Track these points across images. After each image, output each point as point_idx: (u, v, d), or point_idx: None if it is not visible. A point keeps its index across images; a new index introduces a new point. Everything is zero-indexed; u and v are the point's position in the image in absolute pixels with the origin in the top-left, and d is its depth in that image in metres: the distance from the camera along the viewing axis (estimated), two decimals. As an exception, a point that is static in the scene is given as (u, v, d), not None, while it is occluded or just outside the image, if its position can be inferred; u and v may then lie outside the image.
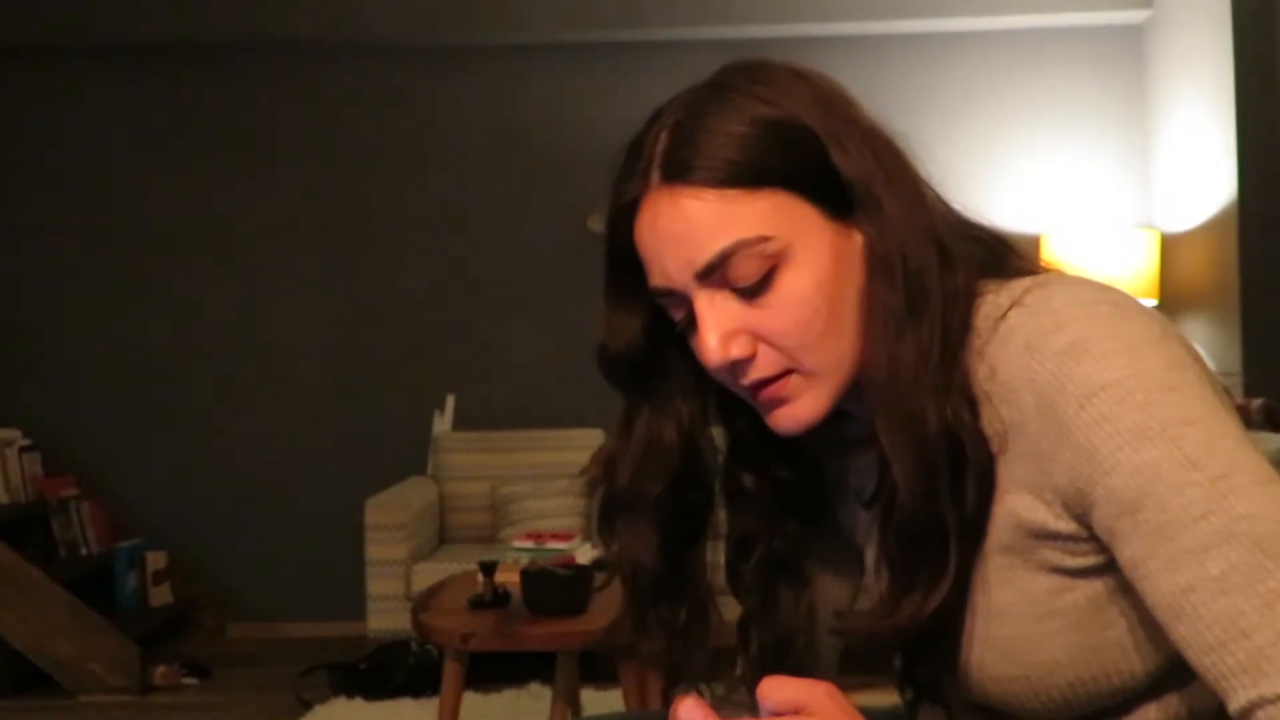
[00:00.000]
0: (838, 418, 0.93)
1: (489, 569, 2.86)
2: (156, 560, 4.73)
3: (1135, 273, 4.32)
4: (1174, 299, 4.39)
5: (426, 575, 3.92)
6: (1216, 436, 0.77)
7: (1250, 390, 3.69)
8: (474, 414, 4.82)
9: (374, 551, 4.07)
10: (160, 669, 4.05)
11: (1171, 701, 0.88)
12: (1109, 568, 0.83)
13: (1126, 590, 0.82)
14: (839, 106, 0.90)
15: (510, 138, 4.87)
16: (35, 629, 3.95)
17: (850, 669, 1.16)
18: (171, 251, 4.92)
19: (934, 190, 0.92)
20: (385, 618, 4.04)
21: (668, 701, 1.00)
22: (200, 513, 4.87)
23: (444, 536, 4.57)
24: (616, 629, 1.04)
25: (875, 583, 0.94)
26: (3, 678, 3.96)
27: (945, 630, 0.89)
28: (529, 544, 3.47)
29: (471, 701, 3.41)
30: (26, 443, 4.68)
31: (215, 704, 3.92)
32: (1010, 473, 0.85)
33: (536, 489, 4.40)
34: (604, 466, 1.01)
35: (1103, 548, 0.82)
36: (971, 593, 0.88)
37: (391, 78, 4.89)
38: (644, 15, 4.68)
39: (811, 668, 1.05)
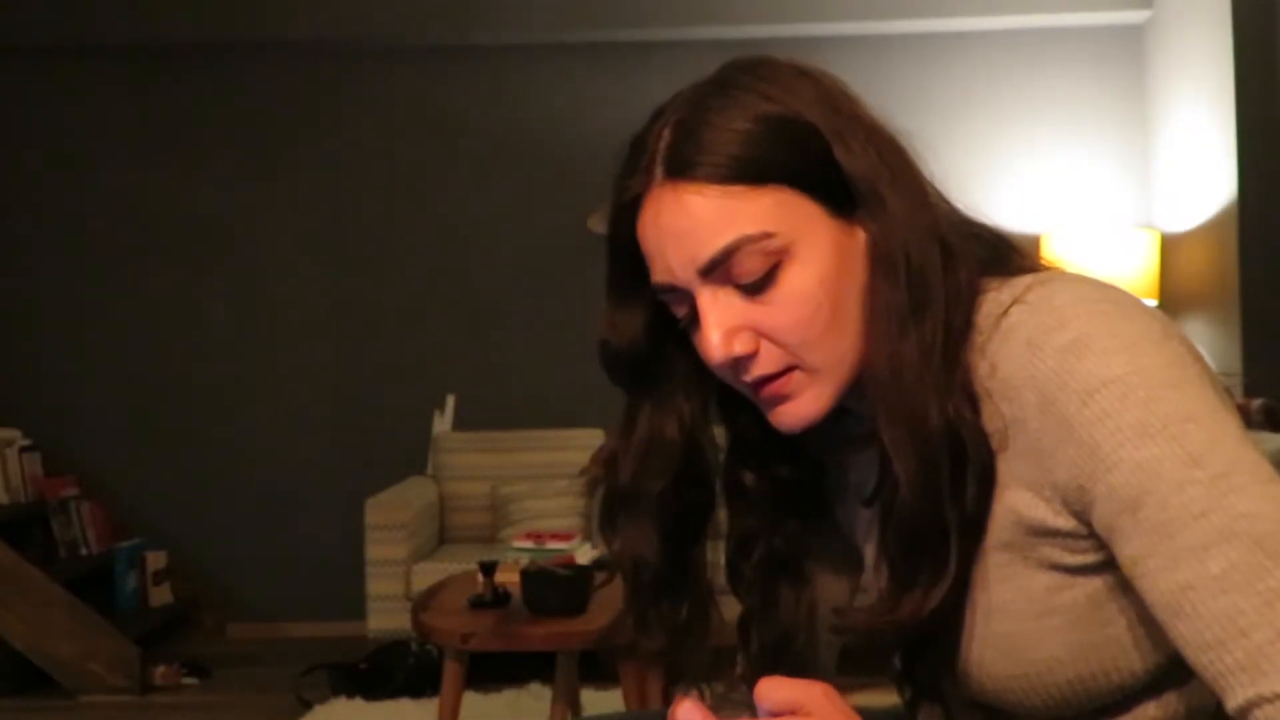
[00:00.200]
0: (838, 415, 0.93)
1: (489, 569, 2.86)
2: (156, 560, 4.73)
3: (1135, 273, 4.32)
4: (1174, 299, 4.39)
5: (426, 575, 3.92)
6: (1218, 435, 0.77)
7: (1250, 390, 3.69)
8: (474, 414, 4.82)
9: (374, 551, 4.08)
10: (160, 669, 4.06)
11: (1170, 699, 0.88)
12: (1108, 565, 0.83)
13: (1126, 588, 0.82)
14: (843, 104, 0.90)
15: (510, 138, 4.87)
16: (35, 629, 3.95)
17: (849, 669, 1.16)
18: (172, 251, 4.92)
19: (936, 188, 0.92)
20: (385, 618, 4.04)
21: (668, 700, 1.00)
22: (200, 513, 4.88)
23: (444, 536, 4.57)
24: (617, 627, 1.05)
25: (875, 580, 0.94)
26: (3, 678, 3.96)
27: (945, 628, 0.89)
28: (529, 544, 3.47)
29: (471, 701, 3.40)
30: (26, 443, 4.68)
31: (215, 704, 3.92)
32: (1011, 470, 0.85)
33: (536, 489, 4.40)
34: (605, 464, 1.00)
35: (1102, 545, 0.82)
36: (971, 590, 0.88)
37: (391, 78, 4.89)
38: (644, 15, 4.68)
39: (811, 666, 1.05)
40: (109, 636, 4.00)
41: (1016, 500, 0.85)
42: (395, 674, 3.80)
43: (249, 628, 4.83)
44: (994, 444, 0.85)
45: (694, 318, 0.90)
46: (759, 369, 0.88)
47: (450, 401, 4.84)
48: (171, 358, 4.90)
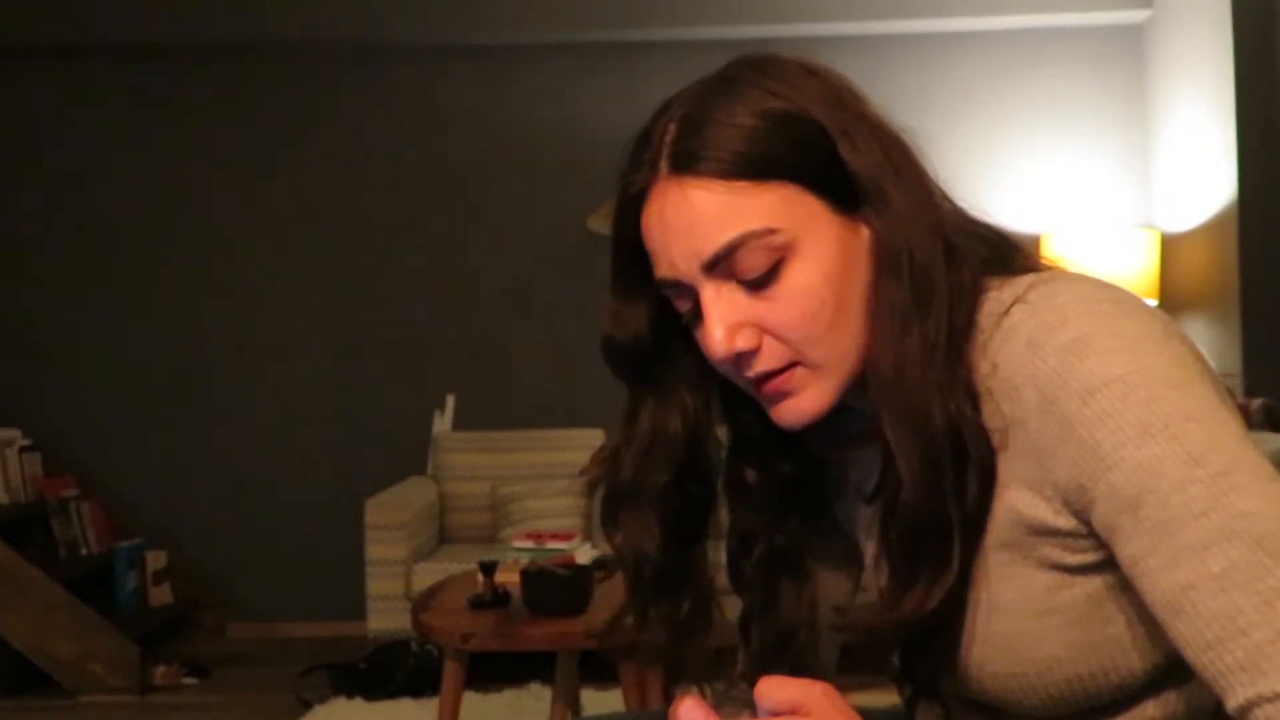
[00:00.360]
0: (839, 413, 0.93)
1: (489, 569, 2.85)
2: (156, 560, 4.73)
3: (1135, 273, 4.32)
4: (1174, 299, 4.39)
5: (426, 575, 3.92)
6: (1219, 434, 0.77)
7: (1250, 390, 3.69)
8: (474, 414, 4.82)
9: (374, 551, 4.07)
10: (160, 669, 4.06)
11: (1170, 699, 0.88)
12: (1108, 564, 0.83)
13: (1126, 587, 0.82)
14: (848, 101, 0.90)
15: (510, 138, 4.87)
16: (35, 629, 3.95)
17: (849, 668, 1.16)
18: (172, 251, 4.92)
19: (939, 187, 0.93)
20: (385, 618, 4.04)
21: (670, 698, 1.00)
22: (200, 513, 4.88)
23: (444, 536, 4.57)
24: (618, 623, 1.04)
25: (875, 578, 0.94)
26: (3, 678, 3.96)
27: (945, 626, 0.89)
28: (529, 544, 3.47)
29: (471, 701, 3.41)
30: (26, 443, 4.68)
31: (215, 704, 3.92)
32: (1011, 469, 0.85)
33: (536, 489, 4.40)
34: (608, 458, 1.00)
35: (1102, 544, 0.82)
36: (971, 589, 0.88)
37: (391, 78, 4.89)
38: (644, 15, 4.68)
39: (813, 664, 1.05)
40: (109, 636, 4.00)
41: (1017, 499, 0.85)
42: (395, 674, 3.80)
43: (249, 628, 4.83)
44: (995, 443, 0.85)
45: (697, 313, 0.90)
46: (761, 365, 0.88)
47: (450, 401, 4.84)
48: (172, 358, 4.90)
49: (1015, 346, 0.84)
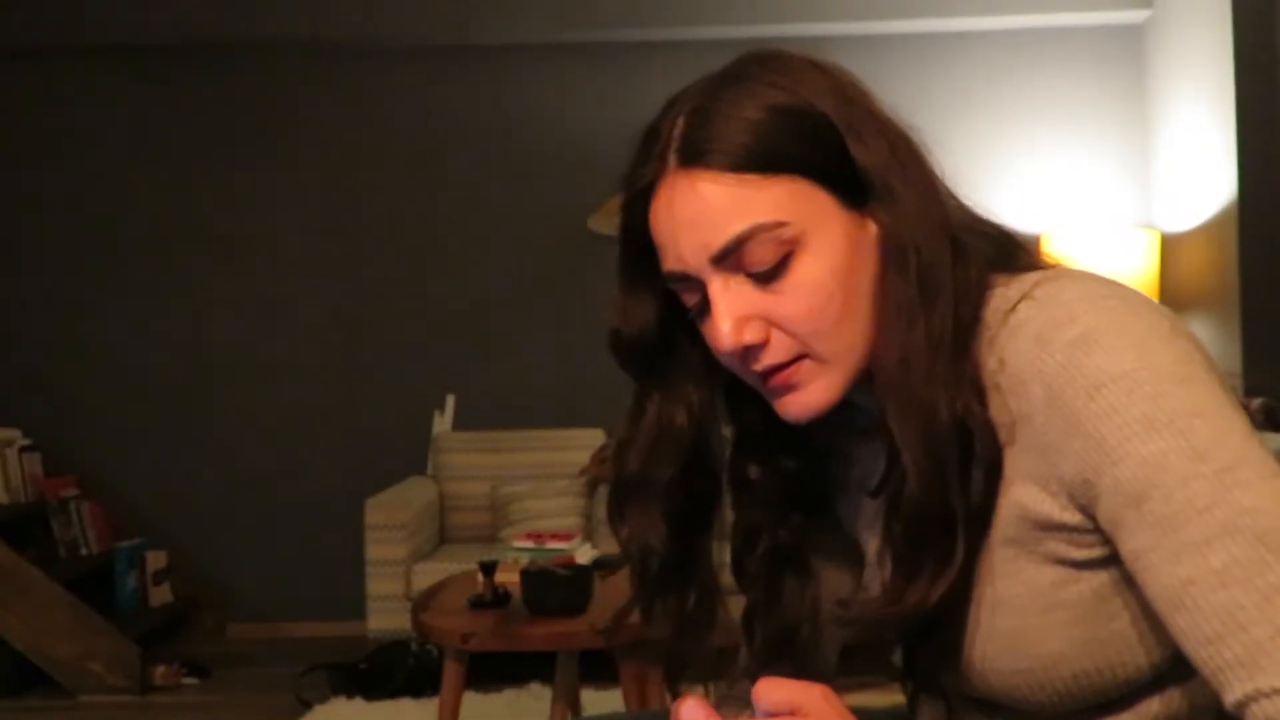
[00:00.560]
0: (843, 408, 0.93)
1: (489, 569, 2.85)
2: (156, 560, 4.73)
3: (1135, 273, 4.32)
4: (1174, 299, 4.39)
5: (426, 575, 3.92)
6: (1225, 430, 0.78)
7: (1250, 390, 3.69)
8: (474, 414, 4.82)
9: (374, 551, 4.07)
10: (160, 669, 4.06)
11: (1174, 695, 0.88)
12: (1114, 560, 0.83)
13: (1131, 582, 0.82)
14: (855, 97, 0.90)
15: (510, 138, 4.87)
16: (35, 629, 3.95)
17: (849, 668, 1.16)
18: (171, 251, 4.92)
19: (945, 184, 0.93)
20: (385, 618, 4.04)
21: (675, 695, 1.00)
22: (200, 513, 4.88)
23: (444, 536, 4.57)
24: (623, 618, 1.04)
25: (878, 573, 0.94)
26: (3, 678, 3.96)
27: (948, 621, 0.89)
28: (529, 544, 3.47)
29: (471, 701, 3.40)
30: (26, 443, 4.68)
31: (215, 704, 3.92)
32: (1017, 464, 0.85)
33: (536, 489, 4.40)
34: (614, 452, 1.00)
35: (1107, 539, 0.82)
36: (976, 585, 0.88)
37: (391, 78, 4.89)
38: (644, 15, 4.68)
39: (815, 661, 1.06)
40: (109, 636, 4.00)
41: (1022, 494, 0.85)
42: (395, 674, 3.80)
43: (249, 628, 4.83)
44: (1001, 438, 0.86)
45: (704, 307, 0.90)
46: (769, 358, 0.88)
47: (450, 401, 4.84)
48: (172, 358, 4.90)
49: (1022, 342, 0.84)
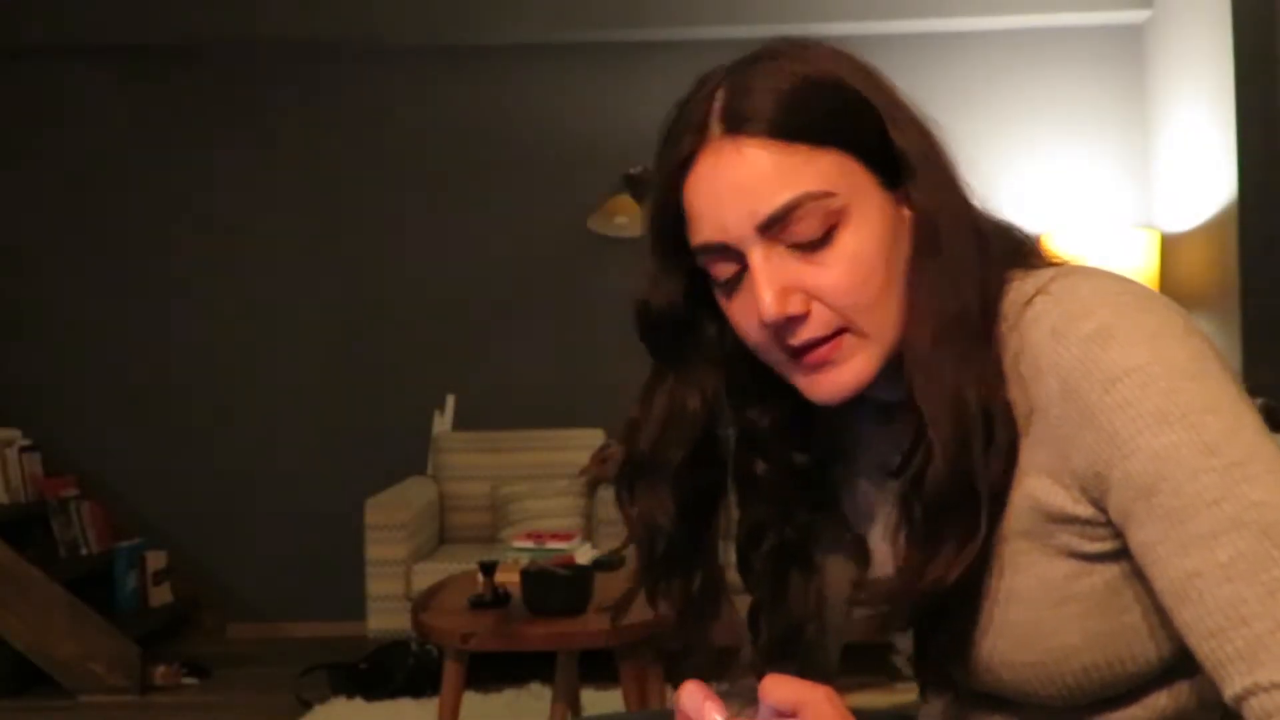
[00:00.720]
0: (857, 400, 0.93)
1: (489, 569, 2.86)
2: (156, 560, 4.73)
3: (1135, 273, 4.32)
4: (1174, 299, 4.34)
5: (426, 575, 3.92)
6: (1237, 426, 0.78)
7: (1250, 390, 3.67)
8: (474, 414, 4.82)
9: (374, 551, 4.08)
10: (160, 669, 4.06)
11: (1183, 690, 0.88)
12: (1125, 553, 0.83)
13: (1142, 576, 0.82)
14: (885, 85, 0.92)
15: (510, 138, 4.87)
16: (35, 629, 3.95)
17: (850, 668, 1.16)
18: (171, 251, 4.92)
19: (964, 179, 0.95)
20: (385, 618, 4.04)
21: (677, 682, 1.00)
22: (200, 513, 4.88)
23: (444, 536, 4.57)
24: (629, 600, 1.04)
25: (890, 558, 0.94)
26: (3, 678, 3.96)
27: (959, 611, 0.89)
28: (529, 544, 3.47)
29: (471, 701, 3.40)
30: (26, 443, 4.68)
31: (215, 704, 3.92)
32: (1030, 456, 0.86)
33: (536, 489, 4.40)
34: (626, 429, 0.99)
35: (1119, 532, 0.83)
36: (988, 577, 0.88)
37: (391, 78, 4.89)
38: (644, 15, 4.68)
39: (820, 658, 1.06)
40: (109, 636, 4.00)
41: (1035, 487, 0.86)
42: (395, 674, 3.80)
43: (249, 628, 4.83)
44: (1018, 426, 0.87)
45: (736, 281, 0.90)
46: (809, 332, 0.88)
47: (450, 401, 4.84)
48: (171, 358, 4.91)
49: (1038, 335, 0.85)
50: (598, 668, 3.31)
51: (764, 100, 0.86)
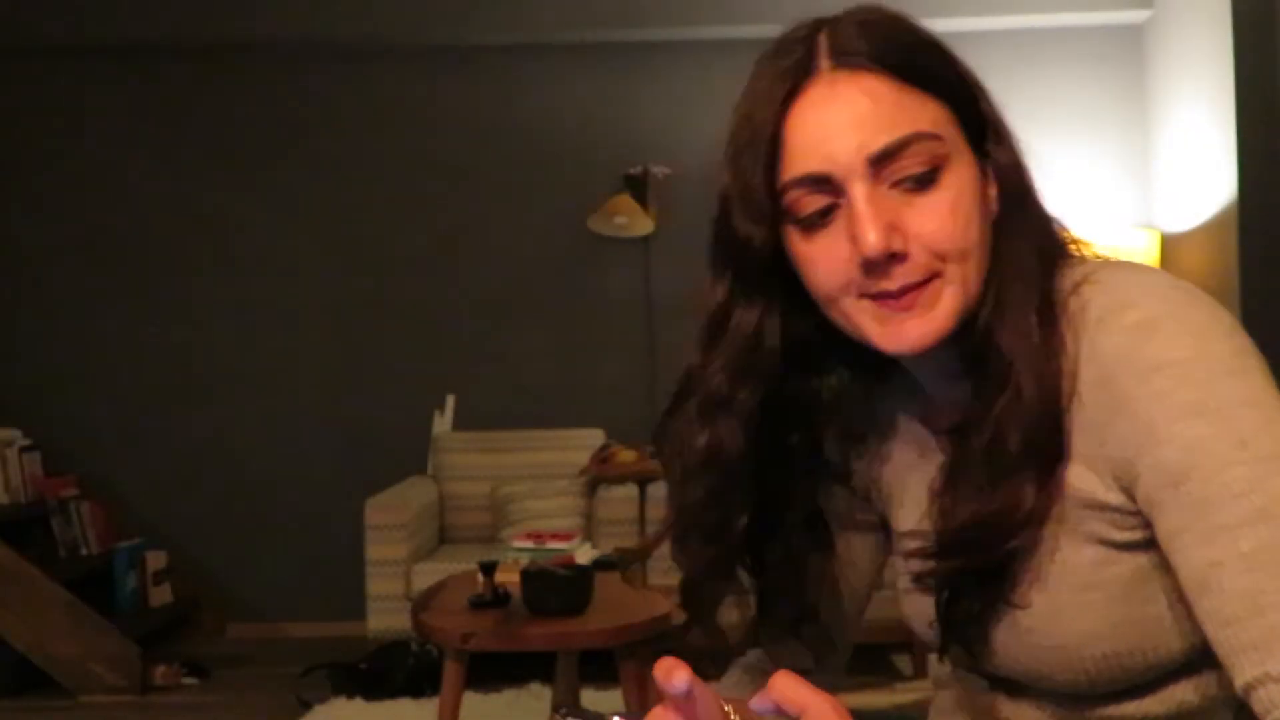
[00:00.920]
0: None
1: (489, 569, 2.86)
2: (156, 560, 4.73)
3: (1135, 273, 4.32)
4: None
5: (426, 575, 3.92)
6: (1272, 422, 0.78)
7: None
8: (474, 414, 4.82)
9: (374, 551, 4.08)
10: (160, 669, 4.06)
11: (1202, 684, 0.89)
12: (1153, 543, 0.83)
13: (1168, 568, 0.83)
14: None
15: (510, 138, 4.87)
16: (35, 629, 3.95)
17: (850, 669, 1.16)
18: (171, 252, 4.92)
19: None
20: (385, 618, 4.04)
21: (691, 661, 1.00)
22: (200, 513, 4.88)
23: (444, 536, 4.57)
24: (660, 540, 1.03)
25: (927, 518, 0.93)
26: (3, 678, 3.96)
27: (993, 577, 0.88)
28: (529, 544, 3.47)
29: (471, 701, 3.40)
30: (26, 443, 4.68)
31: (215, 704, 3.92)
32: (1066, 442, 0.86)
33: (536, 489, 4.40)
34: (702, 348, 0.95)
35: (1148, 522, 0.83)
36: (1015, 561, 0.88)
37: (391, 78, 4.89)
38: (644, 15, 4.68)
39: (830, 645, 1.05)
40: (109, 636, 4.00)
41: (1069, 472, 0.86)
42: (395, 674, 3.80)
43: (249, 628, 4.83)
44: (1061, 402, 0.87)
45: (822, 220, 0.88)
46: (904, 274, 0.87)
47: (450, 401, 4.84)
48: (172, 358, 4.91)
49: (1083, 323, 0.86)
50: (598, 668, 3.31)
51: (879, 39, 0.88)
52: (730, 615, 1.02)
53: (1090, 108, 4.76)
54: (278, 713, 3.73)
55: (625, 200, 4.68)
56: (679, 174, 4.79)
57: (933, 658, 1.05)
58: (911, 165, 0.86)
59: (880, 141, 0.85)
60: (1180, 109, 4.42)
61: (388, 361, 4.89)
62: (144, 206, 4.92)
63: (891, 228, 0.85)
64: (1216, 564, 0.76)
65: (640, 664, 2.66)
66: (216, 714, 3.83)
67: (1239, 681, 0.75)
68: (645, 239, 4.81)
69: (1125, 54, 4.75)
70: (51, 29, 4.74)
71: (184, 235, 4.92)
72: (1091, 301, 0.86)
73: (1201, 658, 0.86)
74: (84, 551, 4.61)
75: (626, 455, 4.40)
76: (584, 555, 3.31)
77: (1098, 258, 0.94)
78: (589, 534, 4.21)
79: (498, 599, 2.80)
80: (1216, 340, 0.82)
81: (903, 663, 3.93)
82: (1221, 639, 0.76)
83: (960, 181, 0.87)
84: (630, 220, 4.67)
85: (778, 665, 0.96)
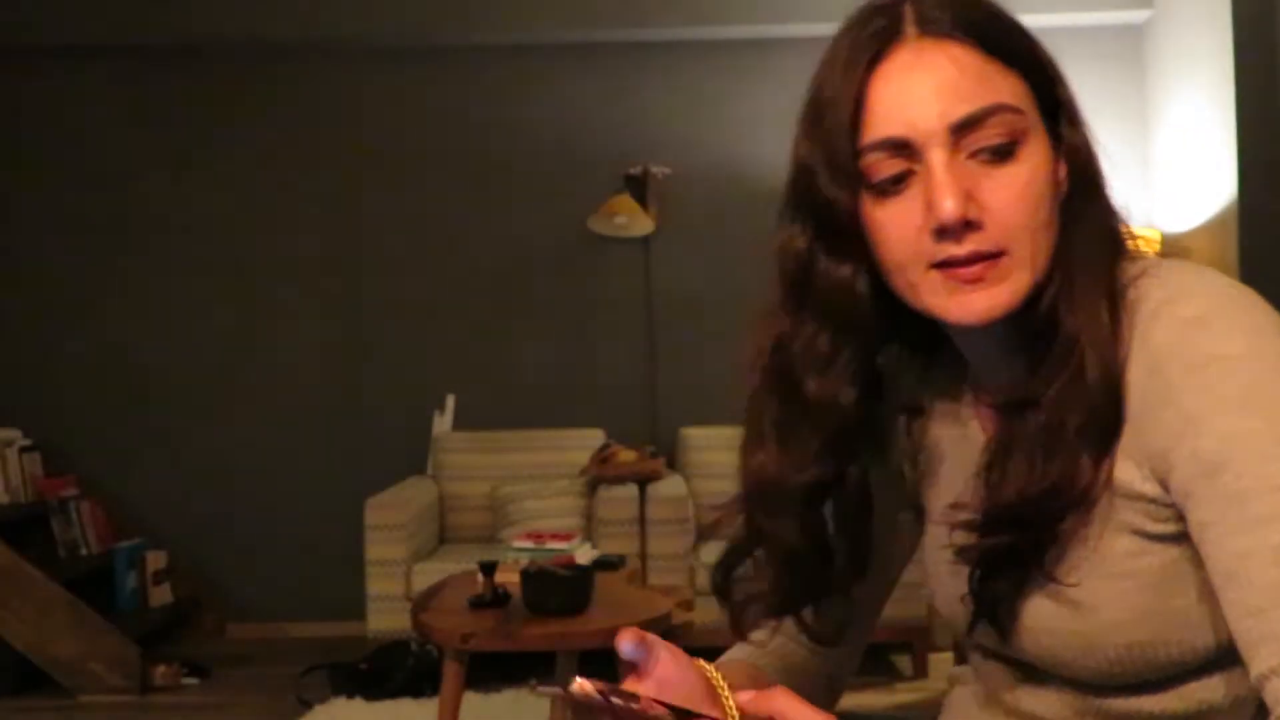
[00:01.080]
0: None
1: (489, 569, 2.86)
2: (156, 560, 4.73)
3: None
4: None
5: (426, 575, 3.92)
6: None
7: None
8: (474, 414, 4.82)
9: (374, 551, 4.08)
10: (160, 669, 4.06)
11: (1222, 683, 0.89)
12: (1187, 537, 0.84)
13: (1199, 563, 0.83)
14: None
15: (510, 138, 4.87)
16: (35, 629, 3.95)
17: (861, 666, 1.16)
18: (172, 251, 4.92)
19: None
20: (385, 618, 4.04)
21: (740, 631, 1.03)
22: (200, 513, 4.88)
23: (444, 536, 4.57)
24: (731, 509, 1.01)
25: (971, 493, 0.92)
26: (3, 678, 3.97)
27: (1030, 553, 0.89)
28: (529, 544, 3.48)
29: (471, 701, 3.41)
30: (26, 443, 4.68)
31: (215, 704, 3.92)
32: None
33: (536, 489, 4.40)
34: (779, 337, 0.94)
35: (1182, 515, 0.83)
36: (1048, 544, 0.89)
37: (391, 78, 4.89)
38: (644, 15, 4.68)
39: (854, 618, 1.05)
40: (109, 636, 4.00)
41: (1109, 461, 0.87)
42: (395, 674, 3.80)
43: (249, 628, 4.83)
44: None
45: (895, 186, 0.88)
46: (975, 244, 0.86)
47: (450, 401, 4.84)
48: (172, 358, 4.91)
49: (1137, 314, 0.86)
50: (598, 668, 3.31)
51: (964, 9, 0.88)
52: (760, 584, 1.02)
53: (1090, 107, 4.73)
54: (278, 713, 3.73)
55: (625, 200, 4.68)
56: (679, 174, 4.79)
57: (940, 658, 1.05)
58: (991, 136, 0.86)
59: (963, 110, 0.86)
60: (1180, 109, 4.42)
61: (387, 361, 4.89)
62: (143, 206, 4.92)
63: (968, 196, 0.86)
64: (1246, 555, 0.76)
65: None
66: (216, 714, 3.83)
67: (1254, 671, 0.75)
68: (645, 239, 4.81)
69: (1125, 54, 4.75)
70: (51, 29, 4.74)
71: (184, 235, 4.92)
72: (1148, 294, 0.87)
73: (1225, 657, 0.87)
74: (84, 551, 4.61)
75: (626, 455, 4.40)
76: (584, 555, 3.31)
77: (1156, 256, 0.94)
78: (589, 534, 4.21)
79: (497, 599, 2.80)
80: (1268, 339, 0.82)
81: (903, 663, 3.93)
82: (1243, 629, 0.76)
83: (1036, 158, 0.88)
84: (630, 220, 4.67)
85: (816, 638, 1.02)
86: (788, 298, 0.94)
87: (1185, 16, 4.33)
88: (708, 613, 3.19)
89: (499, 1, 4.70)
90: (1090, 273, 0.88)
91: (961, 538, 0.91)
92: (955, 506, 0.94)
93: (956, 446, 1.00)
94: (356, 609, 4.19)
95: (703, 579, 4.08)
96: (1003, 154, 0.86)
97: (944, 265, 0.87)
